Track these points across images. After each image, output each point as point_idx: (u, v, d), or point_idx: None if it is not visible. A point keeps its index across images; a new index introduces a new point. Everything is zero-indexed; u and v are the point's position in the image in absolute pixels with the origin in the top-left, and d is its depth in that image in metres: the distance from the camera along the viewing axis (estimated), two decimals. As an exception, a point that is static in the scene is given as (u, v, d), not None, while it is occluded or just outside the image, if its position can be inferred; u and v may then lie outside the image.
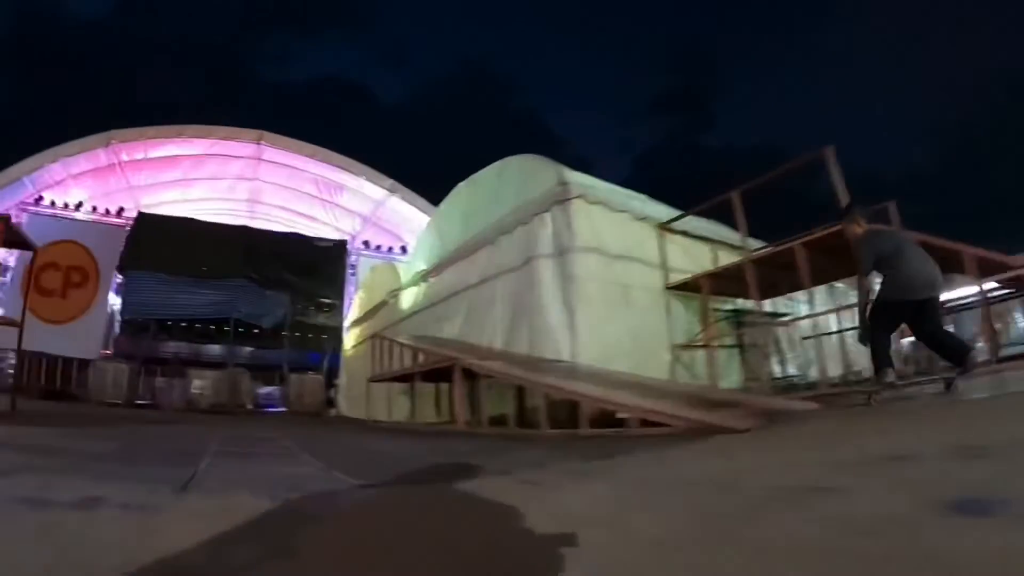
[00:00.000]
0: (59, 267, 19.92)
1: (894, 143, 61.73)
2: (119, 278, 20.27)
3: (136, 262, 19.57)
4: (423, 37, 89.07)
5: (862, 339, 4.98)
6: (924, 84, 54.54)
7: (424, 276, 11.55)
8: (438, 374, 7.74)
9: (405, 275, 13.13)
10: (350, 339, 18.66)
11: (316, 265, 21.37)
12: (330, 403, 18.84)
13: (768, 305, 9.07)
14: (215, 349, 21.17)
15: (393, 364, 9.56)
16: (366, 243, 23.31)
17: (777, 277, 7.70)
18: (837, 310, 8.36)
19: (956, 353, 4.57)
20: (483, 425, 6.97)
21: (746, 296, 8.22)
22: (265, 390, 20.48)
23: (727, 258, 8.63)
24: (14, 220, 20.24)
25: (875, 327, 4.85)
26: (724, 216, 8.75)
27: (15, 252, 20.42)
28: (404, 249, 21.71)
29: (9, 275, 20.14)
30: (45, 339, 18.20)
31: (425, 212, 20.71)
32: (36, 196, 20.70)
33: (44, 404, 11.58)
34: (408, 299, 12.42)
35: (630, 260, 8.07)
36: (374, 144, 23.06)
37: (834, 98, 62.09)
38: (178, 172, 22.78)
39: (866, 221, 5.17)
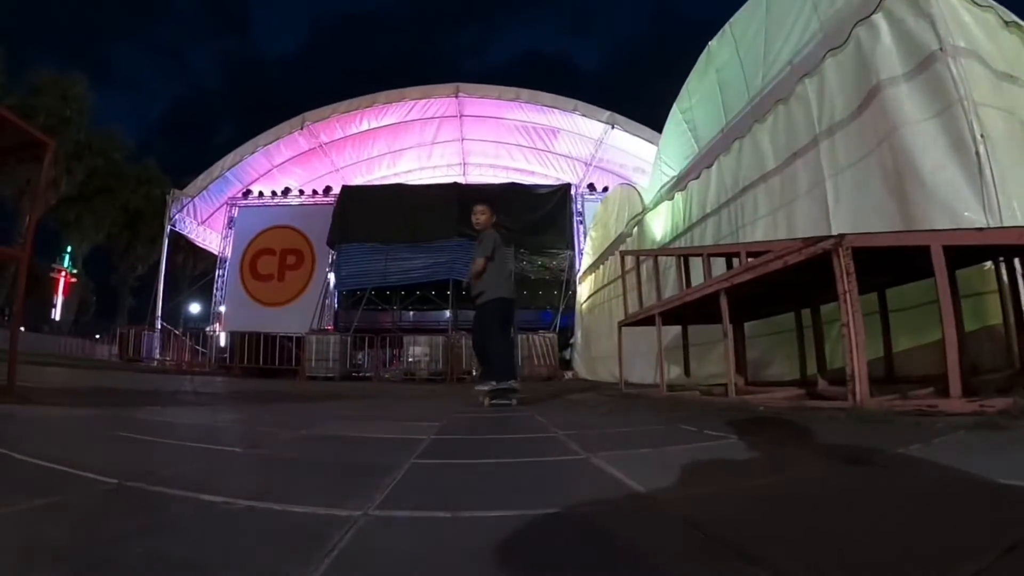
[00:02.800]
0: (274, 252, 21.74)
1: None
2: (334, 254, 21.11)
3: (345, 235, 20.48)
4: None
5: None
6: None
7: (678, 185, 9.11)
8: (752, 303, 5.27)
9: (648, 197, 10.81)
10: (583, 291, 16.82)
11: (539, 214, 20.19)
12: (565, 365, 17.37)
13: None
14: (436, 315, 21.18)
15: (647, 298, 7.09)
16: (591, 186, 21.78)
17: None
18: None
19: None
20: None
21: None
22: None
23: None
24: (227, 215, 22.54)
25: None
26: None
27: (230, 244, 22.38)
28: (633, 189, 19.66)
29: (227, 265, 21.89)
30: (264, 321, 20.17)
31: (651, 142, 18.43)
32: (244, 190, 22.42)
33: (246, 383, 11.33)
34: (659, 224, 10.04)
35: (1017, 85, 4.87)
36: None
37: None
38: (381, 145, 23.13)
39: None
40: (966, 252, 3.43)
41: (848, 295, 3.10)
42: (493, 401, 5.45)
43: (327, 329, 20.14)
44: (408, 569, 1.05)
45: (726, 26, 7.89)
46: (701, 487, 1.75)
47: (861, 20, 5.19)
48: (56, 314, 47.06)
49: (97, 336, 40.32)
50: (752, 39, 7.19)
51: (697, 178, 8.43)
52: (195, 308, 33.49)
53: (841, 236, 3.18)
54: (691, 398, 5.22)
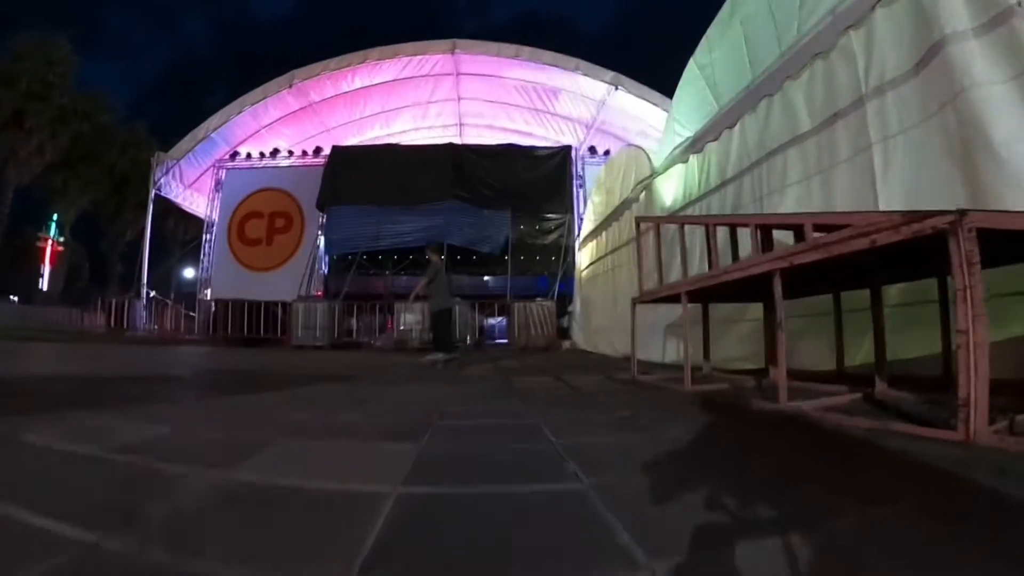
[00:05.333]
0: (262, 215, 21.28)
1: None
2: (324, 217, 20.61)
3: (336, 197, 20.02)
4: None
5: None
6: None
7: (693, 147, 8.44)
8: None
9: (658, 160, 10.12)
10: (583, 258, 16.25)
11: (537, 177, 19.56)
12: (562, 334, 17.09)
13: None
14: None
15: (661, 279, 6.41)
16: (592, 149, 20.99)
17: None
18: None
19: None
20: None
21: None
22: (489, 322, 19.90)
23: None
24: (213, 177, 21.86)
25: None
26: None
27: (217, 208, 21.96)
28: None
29: (214, 230, 21.38)
30: (252, 286, 19.68)
31: (658, 105, 17.93)
32: (231, 152, 21.84)
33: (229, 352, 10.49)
34: (670, 188, 9.38)
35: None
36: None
37: None
38: (375, 105, 22.41)
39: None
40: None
41: (969, 292, 2.43)
42: (441, 365, 8.79)
43: (316, 295, 19.72)
44: None
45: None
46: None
47: (919, -37, 4.49)
48: (44, 284, 46.37)
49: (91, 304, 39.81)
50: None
51: (716, 139, 7.76)
52: (189, 273, 32.92)
53: (962, 212, 2.49)
54: (724, 398, 4.56)
